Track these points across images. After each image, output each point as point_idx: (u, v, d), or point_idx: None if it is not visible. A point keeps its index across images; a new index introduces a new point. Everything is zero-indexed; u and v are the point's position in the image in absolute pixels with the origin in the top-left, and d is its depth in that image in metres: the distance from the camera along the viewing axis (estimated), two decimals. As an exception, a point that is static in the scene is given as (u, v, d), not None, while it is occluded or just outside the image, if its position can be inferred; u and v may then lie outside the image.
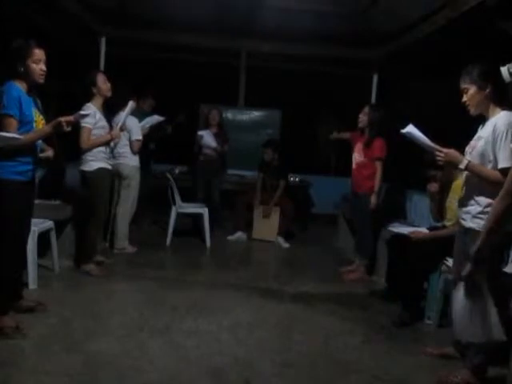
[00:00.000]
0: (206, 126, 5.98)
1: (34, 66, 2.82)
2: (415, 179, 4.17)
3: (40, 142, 2.99)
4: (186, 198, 5.64)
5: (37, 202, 4.26)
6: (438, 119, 5.91)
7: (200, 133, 5.88)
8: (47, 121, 2.93)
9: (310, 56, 7.17)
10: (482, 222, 2.44)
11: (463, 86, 2.53)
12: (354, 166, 4.59)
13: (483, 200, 2.45)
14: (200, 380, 2.49)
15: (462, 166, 2.46)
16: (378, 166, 4.39)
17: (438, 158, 2.54)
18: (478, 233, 2.45)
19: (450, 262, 3.15)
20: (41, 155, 3.07)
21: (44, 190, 4.58)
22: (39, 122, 2.92)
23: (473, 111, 2.54)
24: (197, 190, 5.93)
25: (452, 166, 2.64)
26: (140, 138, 4.68)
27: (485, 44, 4.68)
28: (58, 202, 4.40)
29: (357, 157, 4.55)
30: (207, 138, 5.83)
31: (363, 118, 4.48)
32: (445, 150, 2.51)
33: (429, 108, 6.59)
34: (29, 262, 3.50)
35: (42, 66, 2.86)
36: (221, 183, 6.12)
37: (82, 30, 6.17)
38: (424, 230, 3.69)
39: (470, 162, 2.46)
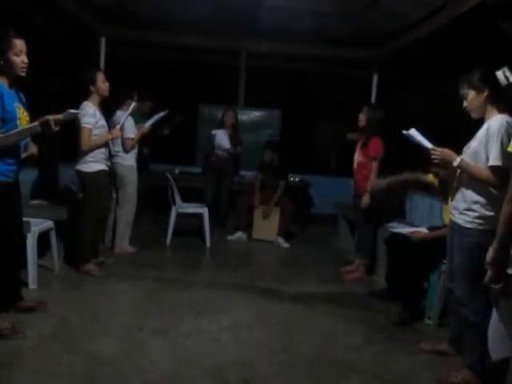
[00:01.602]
0: (221, 127, 5.96)
1: (15, 58, 2.61)
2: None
3: (27, 140, 2.84)
4: (193, 198, 5.63)
5: (37, 202, 4.30)
6: (438, 119, 5.91)
7: (214, 132, 5.86)
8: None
9: (310, 56, 7.17)
10: (467, 219, 2.56)
11: (462, 92, 2.64)
12: (355, 165, 4.59)
13: (471, 197, 2.55)
14: (200, 380, 2.49)
15: (455, 164, 2.56)
16: (373, 165, 4.38)
17: (433, 157, 2.64)
18: (463, 228, 2.57)
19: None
20: (24, 154, 2.90)
21: (38, 191, 4.57)
22: (23, 118, 2.74)
23: (474, 115, 2.64)
24: (205, 189, 5.93)
25: (446, 164, 2.71)
26: (133, 136, 4.67)
27: (485, 44, 4.68)
28: (48, 203, 4.36)
29: (357, 157, 4.55)
30: (221, 137, 5.81)
31: (362, 118, 4.48)
32: (439, 149, 2.61)
33: (429, 108, 6.59)
34: (29, 262, 3.50)
35: (24, 58, 2.65)
36: (231, 184, 6.10)
37: (81, 29, 6.17)
38: (424, 230, 3.69)
39: (462, 160, 2.55)
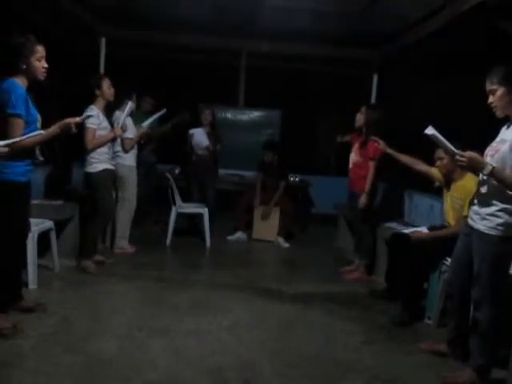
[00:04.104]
0: (200, 125, 5.94)
1: (37, 63, 2.76)
2: (415, 179, 4.16)
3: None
4: (183, 199, 5.64)
5: (37, 202, 4.30)
6: (438, 119, 5.90)
7: (191, 131, 5.86)
8: (50, 122, 2.88)
9: (309, 56, 7.17)
10: (490, 225, 2.44)
11: (490, 87, 2.45)
12: (350, 165, 4.59)
13: (498, 203, 2.42)
14: (200, 380, 2.49)
15: (485, 172, 2.34)
16: (371, 166, 4.37)
17: (459, 163, 2.40)
18: (483, 235, 2.46)
19: (449, 261, 3.15)
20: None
21: (48, 190, 4.61)
22: (39, 120, 2.88)
23: (499, 113, 2.46)
24: (192, 190, 5.92)
25: (473, 171, 2.56)
26: (132, 136, 4.69)
27: (485, 44, 4.68)
28: (60, 202, 4.40)
29: (353, 156, 4.55)
30: (198, 136, 5.78)
31: (360, 117, 4.47)
32: (466, 155, 2.35)
33: (429, 108, 6.59)
34: (29, 262, 3.50)
35: (44, 63, 2.81)
36: (216, 182, 6.05)
37: (81, 29, 6.17)
38: (424, 230, 3.69)
39: (494, 167, 2.33)
